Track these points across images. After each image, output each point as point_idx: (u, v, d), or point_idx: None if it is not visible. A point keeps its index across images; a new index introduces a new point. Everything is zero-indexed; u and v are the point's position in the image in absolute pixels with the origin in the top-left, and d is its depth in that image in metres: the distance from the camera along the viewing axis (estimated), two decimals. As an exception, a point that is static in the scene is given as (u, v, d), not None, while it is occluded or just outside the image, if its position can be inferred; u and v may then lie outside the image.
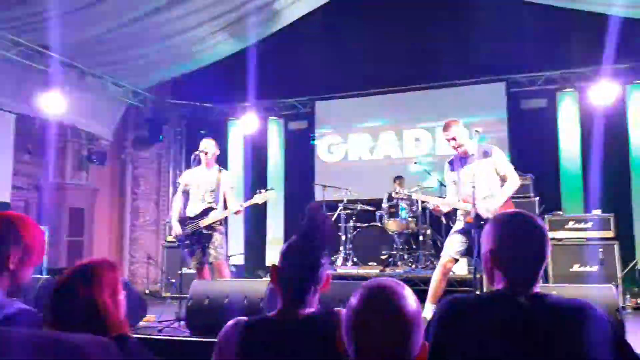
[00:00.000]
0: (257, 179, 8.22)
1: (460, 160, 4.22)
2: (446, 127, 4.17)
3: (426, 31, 7.30)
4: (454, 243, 4.16)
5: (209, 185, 4.64)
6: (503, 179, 4.12)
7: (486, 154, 4.11)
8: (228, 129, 8.66)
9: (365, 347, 1.16)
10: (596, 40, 5.81)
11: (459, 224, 4.23)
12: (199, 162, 4.75)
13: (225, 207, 4.66)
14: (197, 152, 4.73)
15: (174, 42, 6.67)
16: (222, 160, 8.48)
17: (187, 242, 4.55)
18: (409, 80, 7.74)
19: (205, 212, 4.56)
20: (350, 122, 8.26)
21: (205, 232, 4.51)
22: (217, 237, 4.55)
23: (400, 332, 1.16)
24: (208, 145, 4.68)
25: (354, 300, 1.21)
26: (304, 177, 8.13)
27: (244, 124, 8.26)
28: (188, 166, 4.97)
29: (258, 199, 4.61)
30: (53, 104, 6.20)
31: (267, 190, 4.71)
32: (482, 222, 3.85)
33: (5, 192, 6.31)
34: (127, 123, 8.43)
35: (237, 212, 4.59)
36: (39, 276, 4.29)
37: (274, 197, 4.85)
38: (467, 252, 5.22)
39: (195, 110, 8.66)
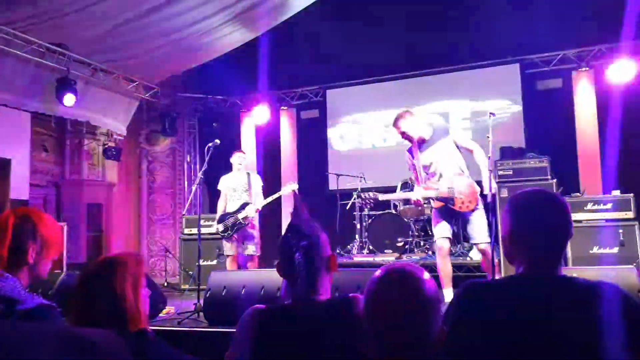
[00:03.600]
0: (270, 169, 8.24)
1: (419, 146, 4.28)
2: (394, 123, 4.25)
3: (438, 14, 7.18)
4: (442, 225, 4.21)
5: (243, 187, 5.47)
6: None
7: (443, 134, 4.23)
8: (241, 120, 8.67)
9: (384, 329, 1.16)
10: (612, 16, 5.66)
11: (435, 210, 4.29)
12: (212, 154, 4.94)
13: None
14: (211, 145, 4.96)
15: (184, 34, 6.66)
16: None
17: (227, 232, 5.36)
18: (421, 64, 7.65)
19: (243, 207, 5.36)
20: (363, 109, 8.20)
21: (243, 222, 5.31)
22: (255, 234, 5.40)
23: (419, 314, 1.15)
24: (242, 158, 5.58)
25: (372, 283, 1.21)
26: (317, 166, 8.12)
27: (256, 115, 8.26)
28: (202, 159, 5.09)
29: (282, 191, 5.50)
30: (67, 101, 6.26)
31: (290, 183, 5.53)
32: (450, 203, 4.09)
33: (24, 190, 6.41)
34: (140, 118, 8.49)
35: (256, 210, 5.40)
36: (58, 271, 4.36)
37: (295, 188, 5.43)
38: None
39: (207, 102, 8.69)
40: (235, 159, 5.57)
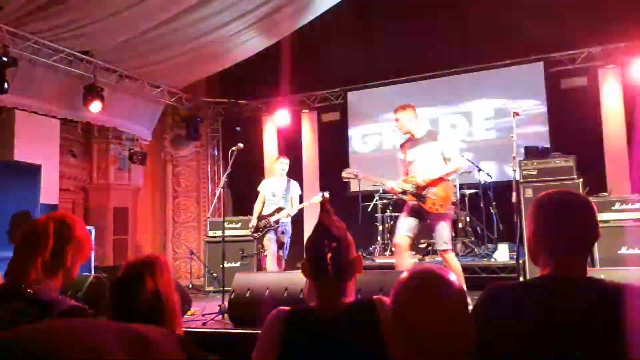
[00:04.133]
0: (292, 171, 8.26)
1: (410, 142, 4.45)
2: (396, 110, 4.52)
3: (460, 13, 7.12)
4: (404, 222, 4.31)
5: (282, 192, 5.65)
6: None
7: (433, 138, 4.33)
8: (263, 124, 8.74)
9: (414, 331, 1.16)
10: (638, 12, 5.54)
11: (406, 206, 4.39)
12: (236, 158, 5.02)
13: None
14: (234, 148, 5.04)
15: (207, 40, 6.76)
16: (258, 155, 8.64)
17: (257, 233, 5.60)
18: (443, 64, 7.59)
19: (277, 210, 5.55)
20: (384, 111, 8.17)
21: (273, 225, 5.51)
22: (287, 240, 5.66)
23: (447, 315, 1.16)
24: (284, 164, 5.77)
25: (401, 285, 1.21)
26: (339, 168, 8.08)
27: (278, 118, 8.32)
28: (226, 162, 5.16)
29: (314, 199, 5.68)
30: (94, 107, 6.41)
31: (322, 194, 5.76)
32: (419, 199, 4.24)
33: (53, 195, 6.58)
34: (165, 123, 8.64)
35: (287, 215, 5.59)
36: (87, 274, 4.46)
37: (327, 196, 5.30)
38: (508, 238, 5.12)
39: (230, 107, 8.79)
40: (278, 164, 5.76)
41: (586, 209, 1.41)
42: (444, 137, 4.38)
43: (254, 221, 5.65)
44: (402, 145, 4.60)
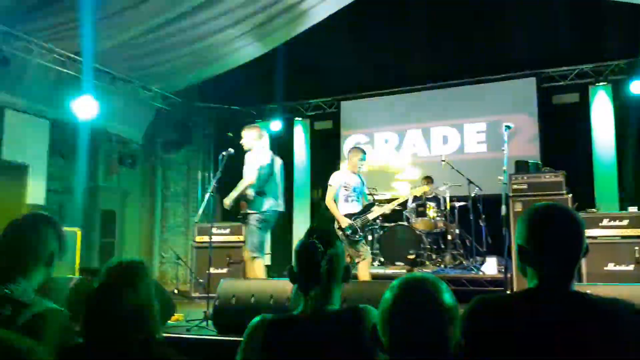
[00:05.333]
0: (283, 179, 8.24)
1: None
2: (242, 128, 5.03)
3: (453, 27, 7.19)
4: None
5: (359, 186, 5.09)
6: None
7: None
8: (255, 131, 8.72)
9: (402, 337, 1.15)
10: (630, 31, 5.61)
11: None
12: (226, 163, 4.88)
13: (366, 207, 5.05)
14: (225, 153, 4.86)
15: (201, 45, 6.76)
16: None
17: (358, 235, 4.89)
18: (436, 77, 7.65)
19: (368, 207, 5.03)
20: (376, 121, 8.21)
21: (374, 223, 5.31)
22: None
23: (438, 323, 1.14)
24: (365, 157, 5.23)
25: (392, 292, 1.20)
26: (330, 176, 8.11)
27: (271, 125, 8.31)
28: (216, 168, 5.05)
29: (412, 192, 5.69)
30: (85, 109, 6.36)
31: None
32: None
33: (40, 195, 6.50)
34: (156, 126, 8.58)
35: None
36: (71, 276, 4.40)
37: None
38: (497, 251, 5.11)
39: (223, 112, 8.76)
40: (357, 156, 5.11)
41: (573, 223, 1.41)
42: (248, 155, 4.88)
43: (345, 221, 4.87)
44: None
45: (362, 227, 4.89)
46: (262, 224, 4.78)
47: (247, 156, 4.89)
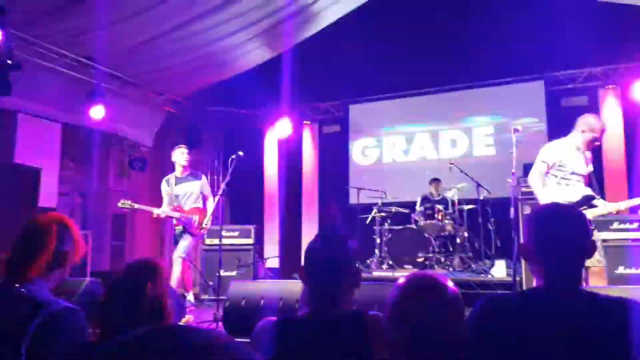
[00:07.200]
0: (291, 182, 8.30)
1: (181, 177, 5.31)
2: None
3: (462, 30, 7.19)
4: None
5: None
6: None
7: (196, 177, 5.34)
8: (264, 134, 8.77)
9: (410, 333, 1.16)
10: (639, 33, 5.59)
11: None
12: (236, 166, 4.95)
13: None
14: (234, 156, 4.89)
15: (211, 50, 6.81)
16: (258, 165, 8.66)
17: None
18: (444, 81, 7.65)
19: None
20: (384, 124, 8.23)
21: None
22: None
23: (445, 321, 1.16)
24: None
25: (398, 288, 1.22)
26: (338, 180, 8.14)
27: (279, 129, 8.35)
28: (226, 171, 5.09)
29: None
30: (96, 113, 6.43)
31: None
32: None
33: (52, 198, 6.57)
34: (166, 130, 8.64)
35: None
36: (82, 279, 4.45)
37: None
38: (506, 254, 5.09)
39: (232, 116, 8.81)
40: None
41: (579, 223, 1.43)
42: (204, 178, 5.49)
43: None
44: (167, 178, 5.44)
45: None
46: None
47: (203, 177, 5.44)
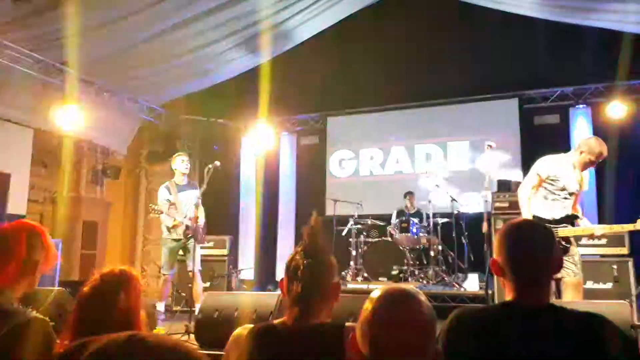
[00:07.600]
0: (269, 193, 8.26)
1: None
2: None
3: (438, 48, 7.33)
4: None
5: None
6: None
7: (194, 186, 5.22)
8: (241, 144, 8.74)
9: (383, 347, 1.16)
10: (609, 56, 5.79)
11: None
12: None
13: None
14: (211, 166, 4.85)
15: (189, 59, 6.78)
16: (235, 176, 8.61)
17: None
18: (420, 96, 7.77)
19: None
20: (362, 137, 8.29)
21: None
22: None
23: (418, 334, 1.16)
24: None
25: (371, 302, 1.22)
26: (316, 191, 8.15)
27: (257, 140, 8.32)
28: (201, 180, 5.04)
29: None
30: (70, 119, 6.31)
31: None
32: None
33: (22, 204, 6.41)
34: (141, 138, 8.54)
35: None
36: (51, 288, 4.33)
37: None
38: (478, 268, 5.16)
39: (209, 125, 8.76)
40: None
41: (545, 240, 1.48)
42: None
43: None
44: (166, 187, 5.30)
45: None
46: None
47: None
